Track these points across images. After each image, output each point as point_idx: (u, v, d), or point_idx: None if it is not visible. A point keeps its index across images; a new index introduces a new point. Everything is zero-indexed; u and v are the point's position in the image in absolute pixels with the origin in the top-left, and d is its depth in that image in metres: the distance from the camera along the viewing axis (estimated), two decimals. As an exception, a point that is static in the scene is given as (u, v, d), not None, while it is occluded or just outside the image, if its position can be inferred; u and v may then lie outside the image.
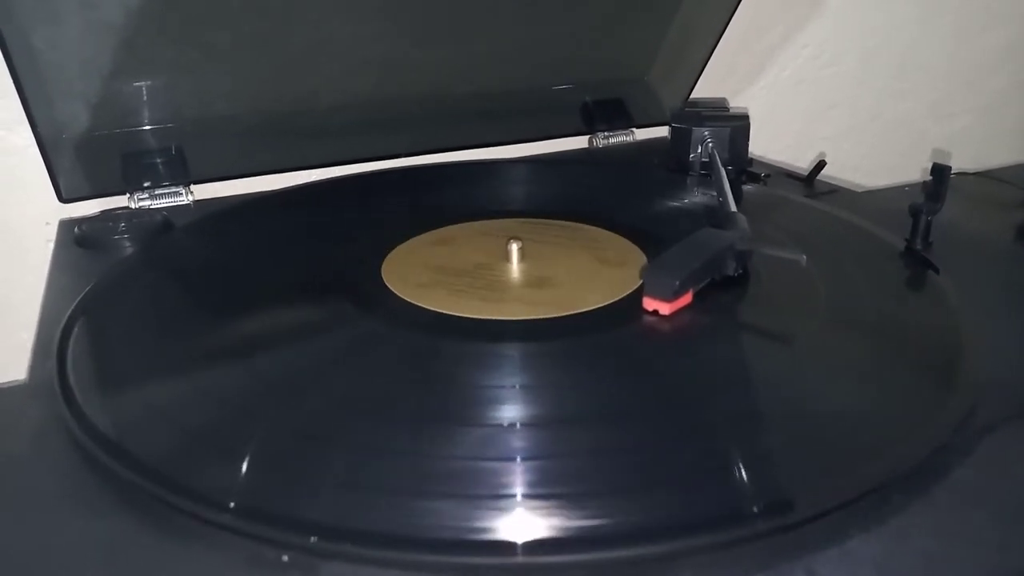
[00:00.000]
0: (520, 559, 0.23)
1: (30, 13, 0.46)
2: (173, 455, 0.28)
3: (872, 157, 0.91)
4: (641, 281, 0.38)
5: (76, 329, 0.37)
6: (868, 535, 0.25)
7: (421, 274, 0.42)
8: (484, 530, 0.24)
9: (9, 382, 0.42)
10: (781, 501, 0.25)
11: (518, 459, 0.27)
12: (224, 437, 0.29)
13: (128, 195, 0.54)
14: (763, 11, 0.76)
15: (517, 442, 0.28)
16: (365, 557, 0.24)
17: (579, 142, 0.69)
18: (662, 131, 0.69)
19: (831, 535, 0.25)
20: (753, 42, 0.78)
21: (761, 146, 0.80)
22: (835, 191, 0.56)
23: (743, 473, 0.27)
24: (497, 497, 0.26)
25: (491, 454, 0.28)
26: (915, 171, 0.87)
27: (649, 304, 0.36)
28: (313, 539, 0.24)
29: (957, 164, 0.60)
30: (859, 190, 0.59)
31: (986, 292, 0.41)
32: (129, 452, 0.28)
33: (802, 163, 0.79)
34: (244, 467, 0.27)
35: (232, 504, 0.25)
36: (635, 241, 0.46)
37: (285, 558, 0.24)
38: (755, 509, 0.25)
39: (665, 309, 0.36)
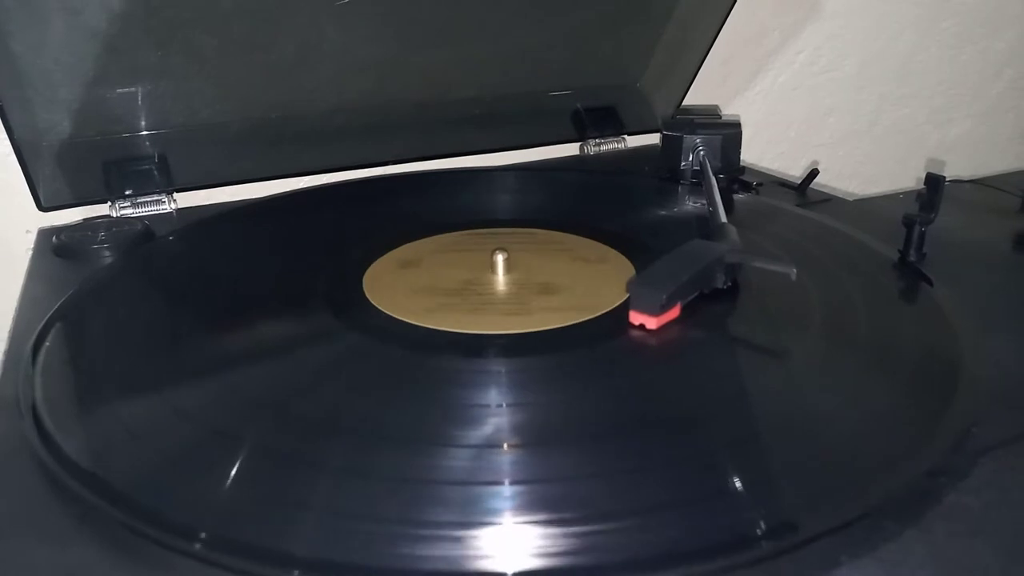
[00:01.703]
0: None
1: (9, 17, 0.45)
2: (144, 480, 0.27)
3: (869, 164, 0.90)
4: (627, 294, 0.37)
5: (47, 342, 0.36)
6: (860, 563, 0.24)
7: (404, 286, 0.41)
8: (472, 560, 0.23)
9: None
10: (770, 527, 0.24)
11: (506, 483, 0.26)
12: (198, 461, 0.28)
13: (109, 203, 0.53)
14: (757, 17, 0.75)
15: (500, 465, 0.27)
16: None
17: (570, 149, 0.69)
18: (654, 138, 0.68)
19: (822, 563, 0.24)
20: (747, 48, 0.77)
21: (756, 153, 0.79)
22: (828, 200, 0.55)
23: (731, 498, 0.26)
24: (484, 525, 0.25)
25: (475, 478, 0.27)
26: (912, 178, 0.86)
27: (635, 318, 0.35)
28: (296, 573, 0.23)
29: (955, 171, 0.59)
30: (852, 198, 0.59)
31: (983, 303, 0.40)
32: (97, 476, 0.27)
33: (798, 170, 0.79)
34: (218, 493, 0.26)
35: (203, 535, 0.24)
36: (624, 251, 0.45)
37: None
38: (744, 535, 0.24)
39: (652, 323, 0.35)
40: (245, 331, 0.39)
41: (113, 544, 0.25)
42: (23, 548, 0.25)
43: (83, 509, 0.26)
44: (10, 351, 0.37)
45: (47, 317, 0.37)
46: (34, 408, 0.30)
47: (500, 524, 0.25)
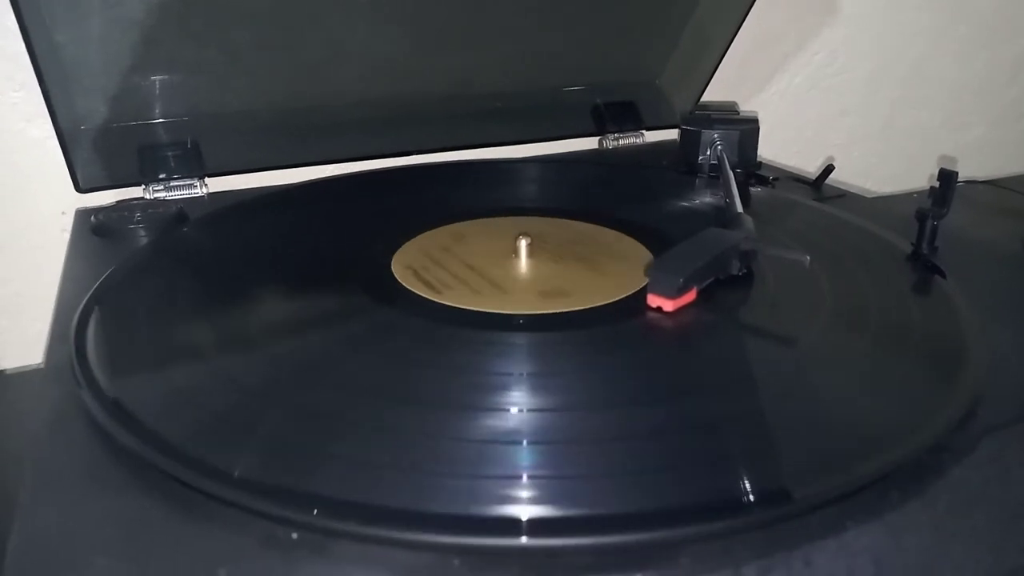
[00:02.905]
0: (524, 540, 0.24)
1: (54, 7, 0.47)
2: (189, 434, 0.29)
3: (882, 165, 0.91)
4: (646, 279, 0.38)
5: (93, 314, 0.37)
6: (865, 528, 0.25)
7: (430, 268, 0.42)
8: (489, 510, 0.25)
9: (26, 366, 0.42)
10: (781, 492, 0.26)
11: (524, 443, 0.28)
12: (235, 418, 0.30)
13: (144, 186, 0.55)
14: (775, 17, 0.76)
15: (522, 428, 0.29)
16: (370, 536, 0.24)
17: (590, 143, 0.70)
18: (671, 134, 0.69)
19: (829, 527, 0.25)
20: (765, 48, 0.78)
21: (771, 152, 0.80)
22: (843, 195, 0.57)
23: (743, 464, 0.27)
24: (502, 478, 0.26)
25: (496, 438, 0.28)
26: (925, 180, 0.86)
27: (653, 301, 0.37)
28: (315, 511, 0.24)
29: (969, 173, 0.60)
30: (868, 196, 0.60)
31: (992, 297, 0.41)
32: (144, 431, 0.28)
33: (812, 169, 0.79)
34: (258, 447, 0.28)
35: (236, 479, 0.26)
36: (643, 241, 0.46)
37: (294, 535, 0.24)
38: (755, 499, 0.25)
39: (668, 306, 0.36)
40: (276, 304, 0.40)
41: (165, 495, 0.26)
42: (83, 500, 0.27)
43: (136, 462, 0.27)
44: (56, 322, 0.38)
45: (91, 291, 0.39)
46: (87, 373, 0.32)
47: (518, 477, 0.26)
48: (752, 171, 0.57)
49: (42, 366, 0.36)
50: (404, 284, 0.41)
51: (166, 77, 0.54)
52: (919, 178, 0.90)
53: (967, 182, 0.68)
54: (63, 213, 0.57)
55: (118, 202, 0.54)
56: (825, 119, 0.86)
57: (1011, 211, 0.66)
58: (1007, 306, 0.41)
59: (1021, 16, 0.90)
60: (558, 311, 0.37)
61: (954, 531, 0.26)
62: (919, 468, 0.28)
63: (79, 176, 0.53)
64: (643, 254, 0.45)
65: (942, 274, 0.41)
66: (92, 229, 0.49)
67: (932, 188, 0.45)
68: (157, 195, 0.54)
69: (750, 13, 0.64)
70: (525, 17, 0.61)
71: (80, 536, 0.25)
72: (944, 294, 0.39)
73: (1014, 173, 0.79)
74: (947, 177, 0.44)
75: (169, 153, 0.56)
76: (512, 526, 0.24)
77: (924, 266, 0.43)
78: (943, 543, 0.25)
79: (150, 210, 0.51)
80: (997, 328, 0.37)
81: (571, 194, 0.56)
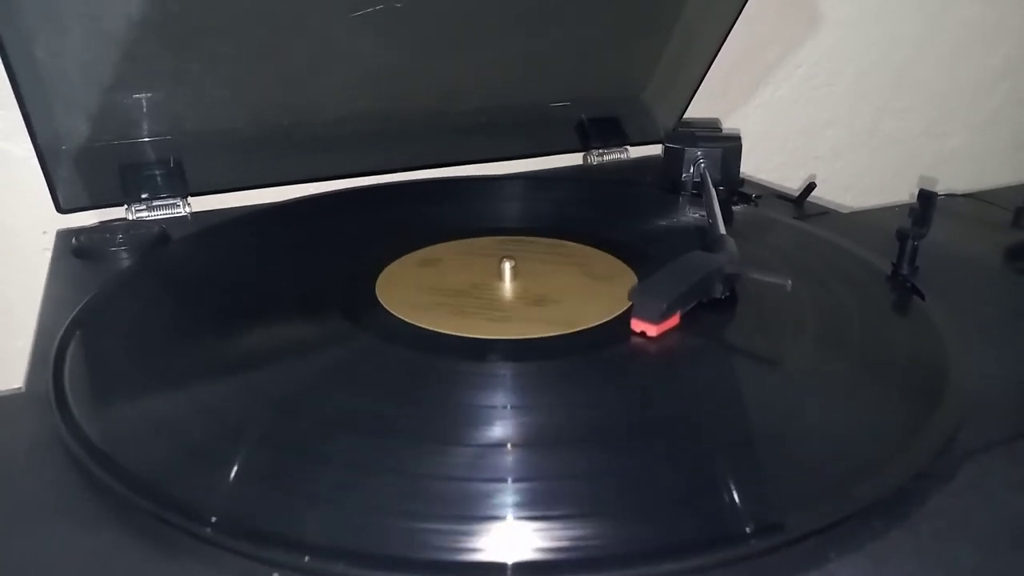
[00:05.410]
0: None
1: (33, 23, 0.47)
2: (167, 469, 0.28)
3: (866, 176, 0.92)
4: (629, 302, 0.38)
5: (73, 340, 0.37)
6: (848, 559, 0.25)
7: (414, 291, 0.42)
8: (475, 555, 0.25)
9: (6, 390, 0.41)
10: (762, 524, 0.26)
11: (509, 480, 0.28)
12: (218, 452, 0.30)
13: (126, 206, 0.54)
14: (759, 31, 0.77)
15: (504, 463, 0.29)
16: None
17: (574, 159, 0.70)
18: (656, 149, 0.70)
19: (811, 559, 0.25)
20: (748, 61, 0.79)
21: (754, 165, 0.81)
22: (825, 213, 0.57)
23: (724, 496, 0.27)
24: (486, 518, 0.26)
25: (479, 475, 0.28)
26: (908, 190, 0.87)
27: (636, 326, 0.37)
28: (307, 559, 0.24)
29: (950, 183, 0.61)
30: (848, 211, 0.60)
31: (972, 315, 0.41)
32: (123, 466, 0.28)
33: (795, 181, 0.80)
34: (237, 483, 0.28)
35: (215, 519, 0.26)
36: (626, 260, 0.46)
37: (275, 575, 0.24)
38: (736, 532, 0.25)
39: (652, 331, 0.36)
40: (261, 330, 0.40)
41: (141, 532, 0.26)
42: (56, 534, 0.26)
43: (113, 498, 0.27)
44: (36, 349, 0.38)
45: (72, 316, 0.39)
46: (64, 403, 0.32)
47: (502, 518, 0.26)
48: (735, 189, 0.57)
49: (23, 390, 0.36)
50: (389, 309, 0.40)
51: (149, 93, 0.54)
52: (902, 188, 0.91)
53: (947, 195, 0.69)
54: (44, 232, 0.57)
55: (100, 223, 0.54)
56: (807, 131, 0.86)
57: (991, 224, 0.66)
58: (986, 323, 0.41)
59: (1001, 25, 0.91)
60: (541, 336, 0.37)
61: (938, 558, 0.26)
62: (901, 496, 0.28)
63: (60, 196, 0.52)
64: (627, 274, 0.45)
65: (922, 296, 0.42)
66: (73, 251, 0.49)
67: (912, 207, 0.46)
68: (140, 215, 0.54)
69: (733, 27, 0.64)
70: (510, 33, 0.61)
71: (52, 573, 0.25)
72: (924, 317, 0.40)
73: (995, 181, 0.80)
74: (927, 197, 0.44)
75: (152, 172, 0.55)
76: (497, 568, 0.24)
77: (904, 287, 0.43)
78: (927, 572, 0.25)
79: (132, 231, 0.50)
80: (978, 348, 0.37)
81: (554, 212, 0.56)
